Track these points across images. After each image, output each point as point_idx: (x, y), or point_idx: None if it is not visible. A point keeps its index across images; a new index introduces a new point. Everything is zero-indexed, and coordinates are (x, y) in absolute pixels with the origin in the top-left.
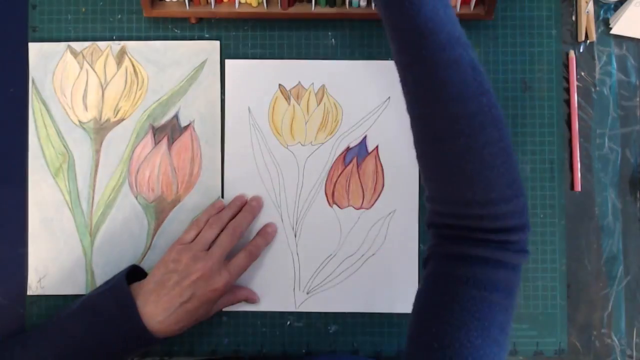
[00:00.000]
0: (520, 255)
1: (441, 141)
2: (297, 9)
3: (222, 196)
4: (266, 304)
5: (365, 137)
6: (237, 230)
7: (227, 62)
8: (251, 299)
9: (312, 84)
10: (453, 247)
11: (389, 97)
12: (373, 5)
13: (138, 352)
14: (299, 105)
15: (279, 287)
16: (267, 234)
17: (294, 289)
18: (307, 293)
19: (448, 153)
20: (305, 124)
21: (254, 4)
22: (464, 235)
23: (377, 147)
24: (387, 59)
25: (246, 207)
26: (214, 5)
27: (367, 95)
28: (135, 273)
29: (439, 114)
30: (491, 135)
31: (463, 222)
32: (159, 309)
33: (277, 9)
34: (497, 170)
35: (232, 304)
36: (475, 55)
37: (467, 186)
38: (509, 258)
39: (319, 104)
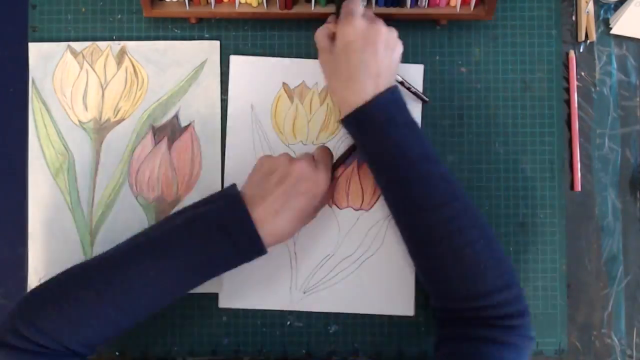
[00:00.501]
0: (525, 340)
1: (427, 246)
2: (297, 9)
3: None
4: (262, 302)
5: None
6: (329, 154)
7: (232, 57)
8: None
9: (316, 83)
10: (462, 330)
11: None
12: (348, 135)
13: (243, 263)
14: (302, 104)
15: (276, 286)
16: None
17: (291, 287)
18: (304, 292)
19: (435, 256)
20: (308, 123)
21: (254, 4)
22: (471, 321)
23: None
24: None
25: None
26: (214, 6)
27: None
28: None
29: (418, 222)
30: (471, 235)
31: (467, 314)
32: (268, 211)
33: (277, 9)
34: (484, 265)
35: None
36: (445, 168)
37: (458, 283)
38: (514, 340)
39: (322, 104)
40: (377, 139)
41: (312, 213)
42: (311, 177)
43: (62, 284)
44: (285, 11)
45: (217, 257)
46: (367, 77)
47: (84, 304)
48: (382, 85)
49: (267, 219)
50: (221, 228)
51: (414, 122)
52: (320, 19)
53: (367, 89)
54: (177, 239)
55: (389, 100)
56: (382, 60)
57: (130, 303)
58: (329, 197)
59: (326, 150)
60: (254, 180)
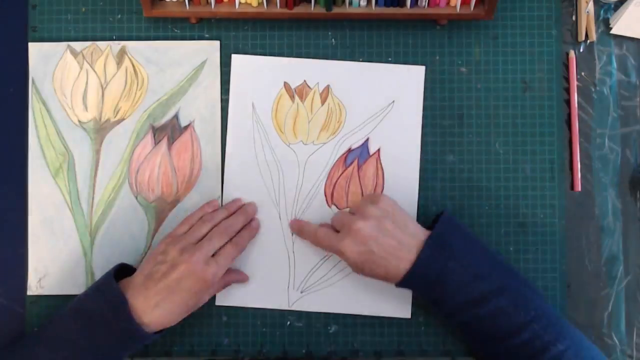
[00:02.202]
0: None
1: None
2: (297, 9)
3: (222, 196)
4: (260, 302)
5: (367, 139)
6: (228, 229)
7: (234, 56)
8: (240, 279)
9: (318, 83)
10: None
11: (394, 101)
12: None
13: (134, 348)
14: (303, 104)
15: (273, 285)
16: (252, 228)
17: (288, 287)
18: (301, 292)
19: None
20: (309, 123)
21: (254, 3)
22: None
23: (378, 150)
24: (389, 60)
25: (240, 210)
26: (214, 5)
27: (372, 97)
28: (125, 270)
29: (499, 351)
30: (556, 349)
31: None
32: (148, 302)
33: (277, 9)
34: None
35: (223, 288)
36: (516, 285)
37: None
38: None
39: (323, 104)
40: (436, 293)
41: (196, 304)
42: (198, 274)
43: None
44: (286, 11)
45: (104, 347)
46: (405, 246)
47: None
48: (418, 237)
49: (147, 309)
50: (102, 324)
51: (466, 250)
52: (320, 19)
53: (409, 255)
54: (64, 330)
55: (432, 252)
56: (399, 222)
57: None
58: (219, 289)
59: (237, 246)
60: (145, 269)
